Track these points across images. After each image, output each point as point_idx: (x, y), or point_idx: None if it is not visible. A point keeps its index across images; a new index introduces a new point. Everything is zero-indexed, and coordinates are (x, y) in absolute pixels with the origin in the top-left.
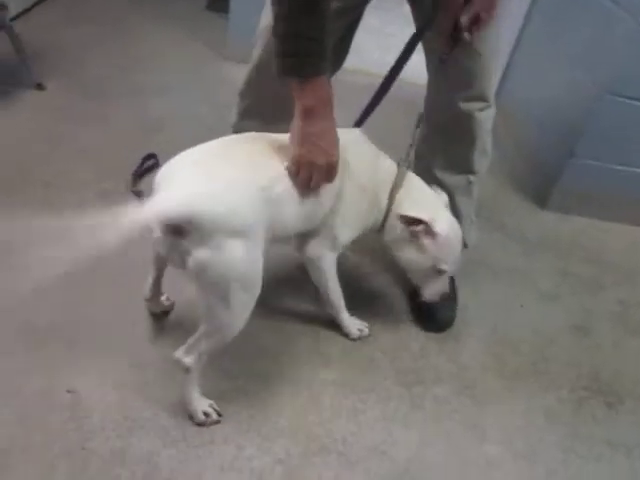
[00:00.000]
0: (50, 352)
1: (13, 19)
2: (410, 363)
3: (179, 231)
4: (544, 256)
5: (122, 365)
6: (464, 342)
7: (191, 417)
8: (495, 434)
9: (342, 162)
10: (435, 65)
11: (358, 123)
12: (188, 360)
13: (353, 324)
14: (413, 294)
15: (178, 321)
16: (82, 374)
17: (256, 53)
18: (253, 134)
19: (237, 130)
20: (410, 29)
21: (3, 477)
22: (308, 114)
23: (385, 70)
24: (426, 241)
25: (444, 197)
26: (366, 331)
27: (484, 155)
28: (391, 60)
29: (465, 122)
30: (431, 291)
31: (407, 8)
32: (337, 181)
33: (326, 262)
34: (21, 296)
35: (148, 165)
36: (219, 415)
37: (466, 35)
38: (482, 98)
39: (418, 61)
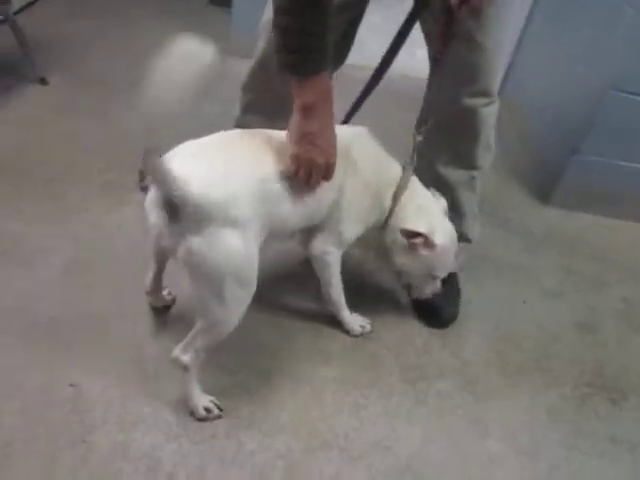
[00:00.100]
0: (52, 347)
1: (16, 13)
2: (413, 359)
3: (175, 212)
4: (548, 252)
5: (124, 360)
6: (467, 338)
7: (192, 413)
8: (498, 430)
9: (347, 158)
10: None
11: (348, 115)
12: (185, 358)
13: (355, 321)
14: None
15: (180, 315)
16: (84, 368)
17: (259, 47)
18: (253, 130)
19: (240, 124)
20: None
21: (6, 470)
22: (307, 112)
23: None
24: (424, 252)
25: (443, 202)
26: (368, 327)
27: (488, 150)
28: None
29: (469, 117)
30: (422, 291)
31: (408, 4)
32: (338, 177)
33: (332, 258)
34: (23, 291)
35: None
36: (220, 410)
37: (455, 6)
38: (486, 93)
39: (422, 56)
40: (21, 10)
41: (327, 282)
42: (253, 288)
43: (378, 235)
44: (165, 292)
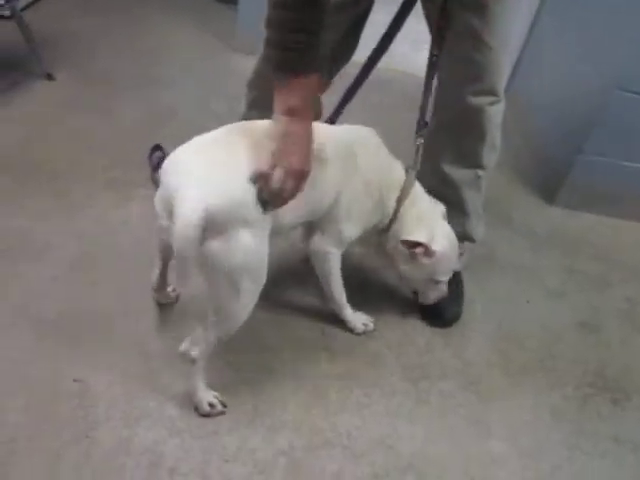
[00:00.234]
0: (58, 342)
1: (23, 9)
2: (416, 358)
3: None
4: (551, 252)
5: (128, 355)
6: (470, 337)
7: (196, 408)
8: (500, 430)
9: (350, 157)
10: (444, 61)
11: (337, 110)
12: (194, 351)
13: (358, 319)
14: None
15: (184, 312)
16: (89, 364)
17: (264, 44)
18: (258, 122)
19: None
20: (417, 24)
21: (10, 466)
22: (293, 112)
23: (392, 64)
24: (424, 260)
25: (441, 207)
26: (371, 326)
27: (493, 150)
28: (398, 55)
29: (475, 116)
30: (428, 296)
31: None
32: (340, 176)
33: (331, 258)
34: (29, 287)
35: (161, 156)
36: (224, 406)
37: None
38: (492, 92)
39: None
40: (28, 6)
41: (326, 280)
42: (263, 281)
43: (379, 239)
44: (170, 289)
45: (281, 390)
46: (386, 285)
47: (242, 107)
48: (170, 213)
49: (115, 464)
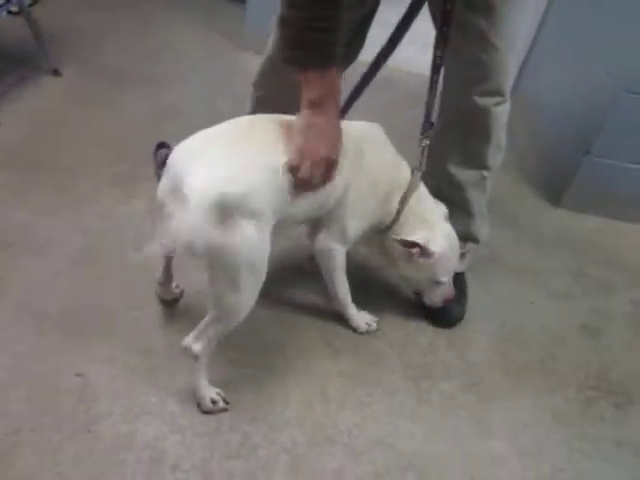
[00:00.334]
0: (60, 337)
1: (31, 5)
2: (418, 358)
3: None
4: (556, 254)
5: (131, 351)
6: (473, 338)
7: (198, 404)
8: (501, 431)
9: (358, 153)
10: (450, 61)
11: (343, 110)
12: (197, 347)
13: (361, 318)
14: None
15: (187, 309)
16: (91, 359)
17: (270, 44)
18: (265, 116)
19: None
20: (422, 23)
21: (14, 457)
22: (315, 105)
23: (398, 63)
24: (422, 260)
25: (443, 208)
26: (374, 325)
27: (498, 150)
28: (403, 53)
29: (480, 116)
30: (432, 298)
31: None
32: (347, 172)
33: (335, 255)
34: (33, 282)
35: (167, 153)
36: (226, 403)
37: None
38: (498, 93)
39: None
40: (35, 2)
41: (331, 277)
42: (264, 274)
43: (381, 238)
44: (174, 285)
45: (283, 387)
46: (389, 285)
47: (247, 107)
48: (177, 200)
49: (116, 459)
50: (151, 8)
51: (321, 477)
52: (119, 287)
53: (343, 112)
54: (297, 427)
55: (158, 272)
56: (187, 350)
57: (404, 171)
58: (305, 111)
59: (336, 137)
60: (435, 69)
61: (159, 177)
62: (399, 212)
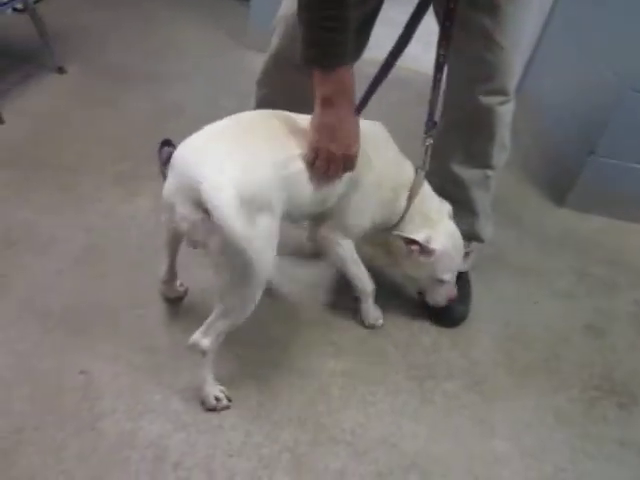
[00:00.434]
0: (64, 334)
1: (36, 2)
2: (422, 357)
3: (204, 207)
4: (560, 254)
5: (134, 349)
6: (477, 338)
7: (202, 401)
8: (504, 431)
9: (362, 153)
10: (455, 60)
11: (358, 109)
12: (205, 342)
13: (372, 313)
14: None
15: (191, 307)
16: (95, 357)
17: (273, 43)
18: (271, 112)
19: None
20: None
21: (16, 454)
22: (327, 103)
23: (403, 62)
24: (422, 258)
25: (447, 207)
26: (380, 322)
27: (503, 149)
28: (409, 52)
29: (485, 116)
30: (434, 297)
31: None
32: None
33: (342, 249)
34: (37, 280)
35: (171, 151)
36: (229, 401)
37: None
38: (503, 92)
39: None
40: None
41: (344, 270)
42: (272, 269)
43: (386, 237)
44: (178, 283)
45: (286, 386)
46: (394, 284)
47: (251, 105)
48: (185, 199)
49: (120, 457)
50: (154, 6)
51: (324, 476)
52: (123, 285)
53: (357, 112)
54: (300, 426)
55: (162, 270)
56: (195, 346)
57: (407, 170)
58: (318, 109)
59: (350, 134)
60: (438, 68)
61: (164, 175)
62: (405, 211)
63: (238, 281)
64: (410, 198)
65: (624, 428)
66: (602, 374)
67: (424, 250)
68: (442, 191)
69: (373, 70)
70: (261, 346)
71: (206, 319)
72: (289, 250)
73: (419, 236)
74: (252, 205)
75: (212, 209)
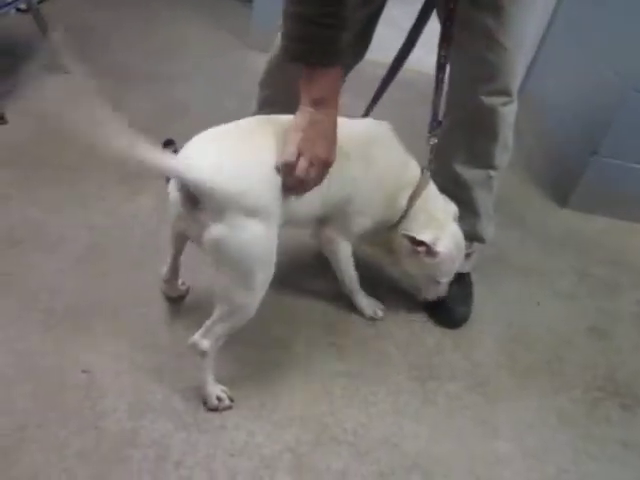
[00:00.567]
0: (66, 333)
1: (40, 2)
2: (424, 358)
3: (195, 201)
4: (563, 255)
5: (137, 348)
6: (479, 339)
7: (204, 401)
8: (506, 431)
9: (366, 152)
10: (457, 60)
11: (367, 110)
12: (205, 344)
13: (368, 304)
14: None
15: (193, 306)
16: (97, 355)
17: (275, 43)
18: (270, 117)
19: None
20: (430, 24)
21: (18, 452)
22: (316, 104)
23: (407, 63)
24: (427, 259)
25: (453, 207)
26: (380, 314)
27: (505, 150)
28: (412, 54)
29: (487, 116)
30: (428, 294)
31: None
32: (355, 170)
33: (341, 249)
34: (40, 278)
35: (174, 150)
36: (231, 401)
37: None
38: (505, 92)
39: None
40: (43, 0)
41: (338, 269)
42: (272, 272)
43: (387, 234)
44: (180, 282)
45: (288, 386)
46: (396, 284)
47: (253, 106)
48: (186, 199)
49: (122, 455)
50: (155, 6)
51: (325, 476)
52: (125, 284)
53: (366, 113)
54: (301, 426)
55: (164, 269)
56: (194, 347)
57: (412, 169)
58: (307, 109)
59: (335, 138)
60: (440, 68)
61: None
62: (407, 210)
63: (235, 284)
64: (413, 197)
65: (627, 429)
66: (605, 375)
67: (429, 251)
68: (444, 191)
69: (375, 71)
70: (263, 346)
71: (208, 318)
72: (290, 251)
73: (427, 237)
74: (239, 208)
75: (209, 205)
